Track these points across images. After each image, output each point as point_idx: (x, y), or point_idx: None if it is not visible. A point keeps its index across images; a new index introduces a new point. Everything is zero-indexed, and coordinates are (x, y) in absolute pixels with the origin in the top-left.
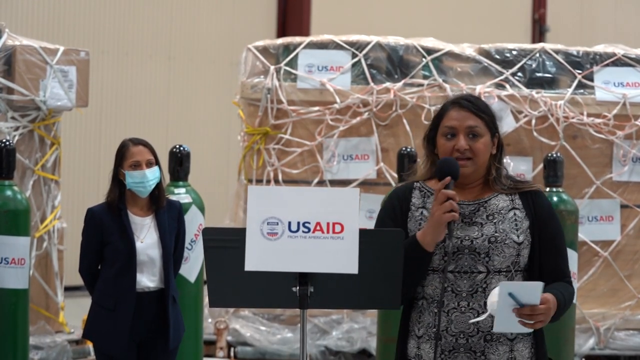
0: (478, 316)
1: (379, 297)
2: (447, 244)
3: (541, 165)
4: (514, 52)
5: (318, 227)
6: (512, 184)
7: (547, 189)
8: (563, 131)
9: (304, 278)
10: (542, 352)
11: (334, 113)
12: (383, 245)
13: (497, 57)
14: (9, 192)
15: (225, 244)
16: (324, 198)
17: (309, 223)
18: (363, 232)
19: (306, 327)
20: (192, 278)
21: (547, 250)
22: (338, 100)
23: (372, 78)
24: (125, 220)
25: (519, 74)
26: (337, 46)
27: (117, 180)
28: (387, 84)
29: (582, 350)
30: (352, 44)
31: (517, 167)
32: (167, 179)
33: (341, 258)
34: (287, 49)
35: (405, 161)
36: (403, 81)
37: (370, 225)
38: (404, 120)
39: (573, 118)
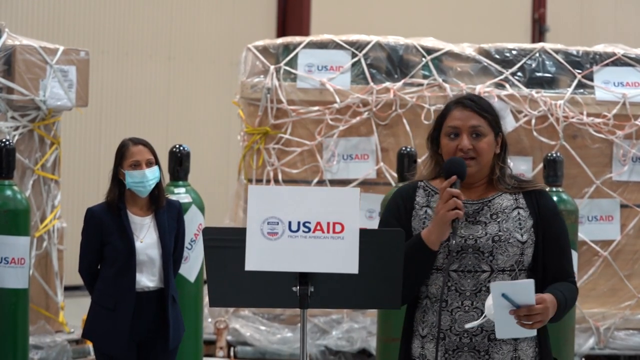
0: (480, 316)
1: (379, 297)
2: (451, 242)
3: (541, 165)
4: (514, 52)
5: (318, 227)
6: (516, 184)
7: (547, 189)
8: (563, 131)
9: (304, 278)
10: (546, 351)
11: (333, 113)
12: (383, 245)
13: (497, 56)
14: (9, 192)
15: (226, 244)
16: (324, 198)
17: (309, 223)
18: (363, 232)
19: (306, 326)
20: (192, 278)
21: (551, 249)
22: (338, 100)
23: (371, 78)
24: (124, 220)
25: (519, 73)
26: (337, 46)
27: (117, 180)
28: (387, 84)
29: (582, 350)
30: (352, 44)
31: (517, 167)
32: (167, 178)
33: (341, 258)
34: (287, 48)
35: (405, 161)
36: (403, 81)
37: (370, 225)
38: (404, 120)
39: (573, 118)
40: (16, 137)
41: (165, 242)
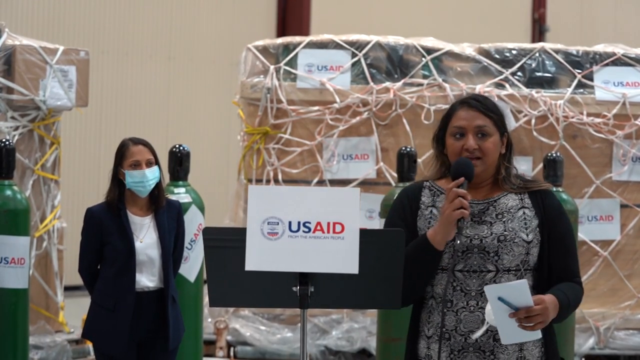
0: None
1: (379, 297)
2: (456, 242)
3: (541, 165)
4: (514, 52)
5: (318, 227)
6: (522, 183)
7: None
8: (563, 131)
9: (304, 278)
10: (552, 351)
11: (333, 113)
12: (383, 245)
13: (497, 56)
14: (8, 192)
15: (226, 244)
16: (325, 198)
17: (309, 223)
18: (363, 232)
19: (306, 327)
20: (192, 278)
21: (556, 249)
22: (338, 99)
23: (371, 78)
24: (124, 220)
25: (519, 73)
26: (336, 46)
27: (117, 180)
28: (387, 84)
29: (582, 350)
30: (351, 44)
31: (517, 166)
32: (166, 178)
33: (341, 258)
34: (287, 48)
35: (405, 161)
36: (403, 81)
37: (370, 225)
38: (404, 120)
39: (573, 118)
40: (16, 137)
41: (165, 242)
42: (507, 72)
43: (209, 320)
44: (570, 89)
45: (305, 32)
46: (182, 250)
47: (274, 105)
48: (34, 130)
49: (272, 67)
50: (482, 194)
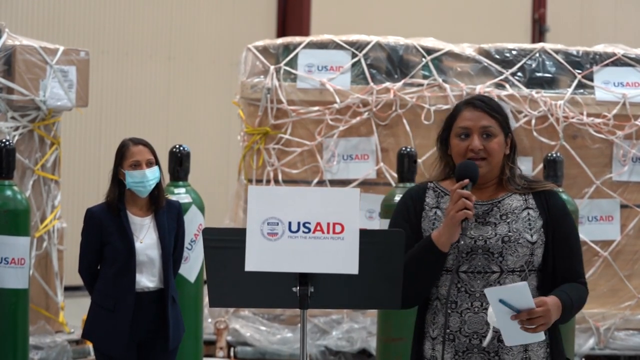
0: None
1: (379, 297)
2: (460, 243)
3: (541, 165)
4: (514, 52)
5: (318, 228)
6: (526, 184)
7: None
8: (563, 131)
9: (304, 278)
10: (557, 351)
11: (333, 113)
12: (383, 245)
13: (497, 57)
14: (9, 192)
15: (226, 244)
16: (324, 198)
17: (309, 223)
18: (363, 232)
19: (306, 327)
20: (192, 278)
21: (561, 250)
22: (338, 100)
23: (372, 78)
24: (124, 221)
25: (519, 73)
26: (337, 46)
27: (117, 180)
28: (387, 84)
29: (582, 350)
30: (352, 44)
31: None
32: (167, 179)
33: (341, 258)
34: (287, 48)
35: (405, 161)
36: (403, 81)
37: (371, 225)
38: (404, 120)
39: (573, 118)
40: (16, 137)
41: (165, 242)
42: (507, 73)
43: (209, 320)
44: (570, 90)
45: (306, 33)
46: (182, 250)
47: (274, 106)
48: (34, 130)
49: (272, 68)
50: (486, 194)
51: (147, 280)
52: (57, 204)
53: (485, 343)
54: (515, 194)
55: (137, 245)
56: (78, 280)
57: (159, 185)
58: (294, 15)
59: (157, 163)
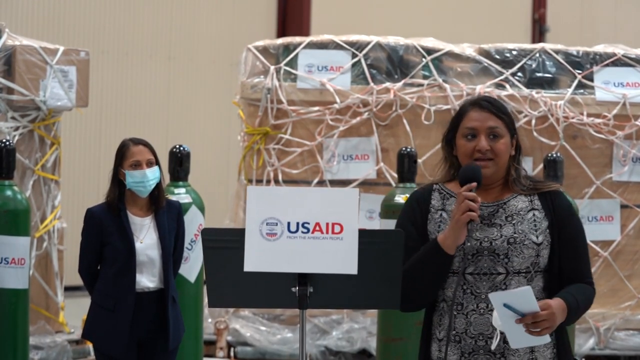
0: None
1: (378, 297)
2: (465, 245)
3: (541, 165)
4: (514, 52)
5: (317, 228)
6: (532, 184)
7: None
8: (563, 131)
9: (303, 278)
10: (564, 352)
11: (334, 113)
12: (382, 245)
13: (497, 57)
14: (9, 192)
15: (225, 245)
16: (323, 198)
17: (308, 223)
18: (362, 233)
19: (305, 327)
20: (192, 278)
21: (567, 250)
22: (338, 100)
23: (372, 78)
24: (124, 221)
25: (519, 74)
26: (337, 46)
27: (117, 180)
28: (387, 84)
29: (582, 350)
30: (352, 44)
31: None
32: (167, 179)
33: (340, 258)
34: (287, 49)
35: (405, 161)
36: (403, 81)
37: (371, 225)
38: (404, 120)
39: (573, 118)
40: (16, 138)
41: (165, 242)
42: (507, 73)
43: (209, 320)
44: (570, 90)
45: (306, 33)
46: (182, 250)
47: (274, 106)
48: (34, 130)
49: (272, 68)
50: (492, 196)
51: (147, 280)
52: (57, 204)
53: (493, 346)
54: (521, 195)
55: (137, 245)
56: (78, 280)
57: (159, 186)
58: (294, 15)
59: (157, 163)
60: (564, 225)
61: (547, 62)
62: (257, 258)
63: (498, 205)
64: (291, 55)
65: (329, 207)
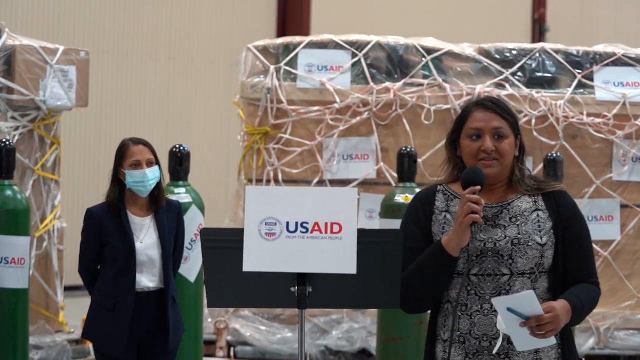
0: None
1: (378, 296)
2: (469, 246)
3: (541, 165)
4: (514, 52)
5: (316, 228)
6: (536, 184)
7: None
8: (563, 131)
9: (302, 278)
10: (569, 353)
11: (334, 113)
12: (382, 245)
13: (497, 57)
14: (9, 192)
15: (224, 245)
16: (322, 198)
17: (307, 223)
18: (362, 232)
19: (304, 327)
20: (192, 278)
21: (572, 250)
22: (338, 100)
23: (372, 78)
24: (124, 221)
25: (519, 73)
26: (337, 46)
27: (117, 180)
28: (387, 84)
29: (582, 350)
30: (352, 44)
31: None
32: (167, 179)
33: (340, 258)
34: (287, 48)
35: (405, 161)
36: (403, 81)
37: (371, 225)
38: (404, 120)
39: (573, 118)
40: (16, 137)
41: (166, 242)
42: (507, 73)
43: (209, 320)
44: (570, 89)
45: (306, 33)
46: (182, 250)
47: (274, 106)
48: (34, 130)
49: (272, 68)
50: (496, 197)
51: (147, 280)
52: (57, 204)
53: (495, 350)
54: (525, 196)
55: (138, 245)
56: (78, 280)
57: (159, 185)
58: (294, 15)
59: (158, 163)
60: (569, 225)
61: (547, 62)
62: (256, 258)
63: (502, 206)
64: (291, 55)
65: (328, 207)
